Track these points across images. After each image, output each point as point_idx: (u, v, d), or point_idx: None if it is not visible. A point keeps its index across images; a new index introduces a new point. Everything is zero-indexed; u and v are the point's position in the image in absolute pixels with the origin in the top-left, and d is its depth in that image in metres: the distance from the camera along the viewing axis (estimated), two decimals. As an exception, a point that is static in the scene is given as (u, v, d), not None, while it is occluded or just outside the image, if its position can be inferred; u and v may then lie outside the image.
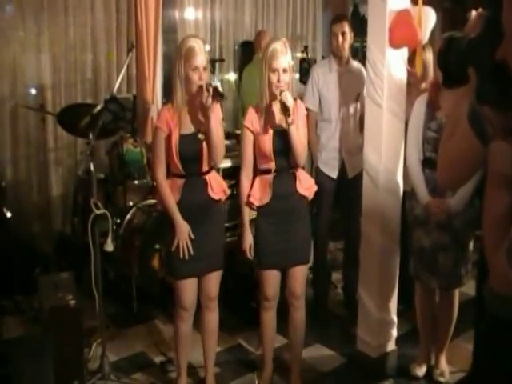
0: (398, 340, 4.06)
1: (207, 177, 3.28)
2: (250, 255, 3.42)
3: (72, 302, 3.54)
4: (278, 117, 3.29)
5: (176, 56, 3.18)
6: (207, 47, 6.26)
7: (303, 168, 3.46)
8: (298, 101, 3.41)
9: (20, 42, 5.11)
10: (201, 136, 3.18)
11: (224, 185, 3.41)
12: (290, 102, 3.14)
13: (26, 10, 5.09)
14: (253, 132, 3.33)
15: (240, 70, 6.36)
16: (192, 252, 3.24)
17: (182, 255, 3.23)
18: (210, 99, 3.07)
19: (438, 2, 6.81)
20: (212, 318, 3.47)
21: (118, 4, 5.54)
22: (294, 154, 3.25)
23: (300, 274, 3.45)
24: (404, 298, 4.28)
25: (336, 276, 4.98)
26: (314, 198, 3.57)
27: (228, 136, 5.61)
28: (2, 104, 5.04)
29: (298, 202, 3.38)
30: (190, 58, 3.11)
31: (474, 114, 1.57)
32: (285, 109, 3.15)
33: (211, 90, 3.06)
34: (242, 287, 4.28)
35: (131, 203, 4.67)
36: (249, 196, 3.36)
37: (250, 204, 3.38)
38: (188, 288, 3.33)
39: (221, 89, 3.09)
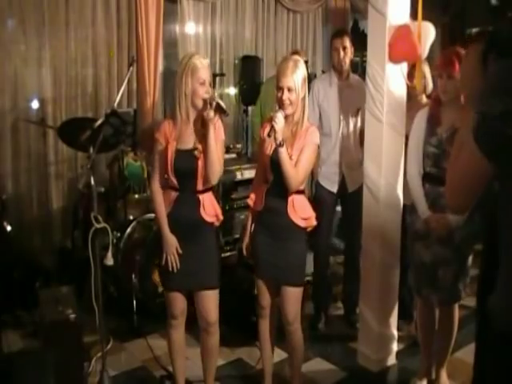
0: (399, 354, 4.07)
1: (201, 196, 3.24)
2: (246, 254, 3.50)
3: (72, 316, 3.54)
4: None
5: (181, 71, 3.16)
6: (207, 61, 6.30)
7: (303, 193, 3.37)
8: (312, 128, 3.32)
9: (21, 56, 5.12)
10: (197, 153, 3.16)
11: (218, 209, 3.35)
12: (278, 124, 3.06)
13: (28, 25, 5.11)
14: (263, 142, 3.34)
15: (240, 84, 6.38)
16: (179, 266, 3.24)
17: (169, 268, 3.24)
18: (211, 113, 3.05)
19: (437, 17, 6.86)
20: (212, 341, 3.43)
21: (119, 18, 5.56)
22: (283, 176, 3.16)
23: (291, 297, 3.36)
24: (404, 311, 4.30)
25: (336, 290, 4.97)
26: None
27: (227, 150, 5.65)
28: (2, 117, 5.04)
29: (290, 226, 3.28)
30: (197, 72, 3.11)
31: (480, 132, 1.57)
32: (271, 130, 3.08)
33: (214, 104, 3.05)
34: (243, 302, 4.26)
35: (131, 217, 4.68)
36: (250, 198, 3.45)
37: (249, 204, 3.46)
38: (176, 298, 3.36)
39: (223, 105, 3.08)
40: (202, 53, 6.04)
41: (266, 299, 3.47)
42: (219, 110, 3.07)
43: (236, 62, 6.53)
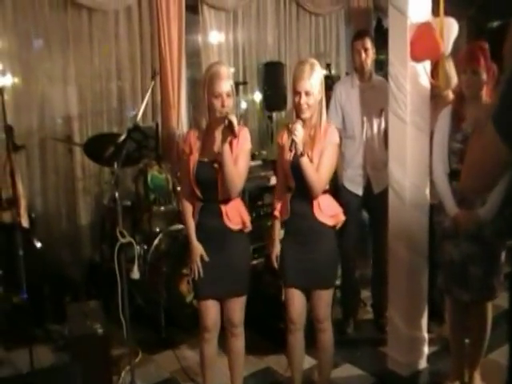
0: (430, 357, 4.00)
1: (224, 206, 3.24)
2: (275, 264, 3.45)
3: (100, 330, 3.58)
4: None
5: (201, 83, 3.20)
6: (231, 69, 6.28)
7: (327, 192, 3.35)
8: (331, 127, 3.31)
9: (47, 75, 5.17)
10: (216, 165, 3.17)
11: (245, 216, 3.33)
12: (297, 136, 3.06)
13: (53, 44, 5.16)
14: (282, 149, 3.34)
15: (264, 91, 6.35)
16: (202, 274, 3.27)
17: (193, 276, 3.30)
18: (224, 131, 3.05)
19: (462, 9, 6.73)
20: (237, 344, 3.43)
21: (142, 32, 5.57)
22: (307, 185, 3.16)
23: (323, 299, 3.37)
24: (435, 313, 4.21)
25: (365, 293, 4.91)
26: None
27: (253, 157, 5.63)
28: (30, 136, 5.08)
29: (319, 227, 3.28)
30: (213, 84, 3.10)
31: (501, 116, 1.51)
32: (292, 142, 3.07)
33: (226, 122, 3.02)
34: (270, 308, 4.24)
35: (158, 229, 4.70)
36: (275, 208, 3.44)
37: (274, 216, 3.44)
38: (208, 308, 3.35)
39: (235, 125, 2.99)
40: (224, 60, 6.04)
41: (296, 311, 3.42)
42: (229, 129, 3.01)
43: (259, 68, 6.49)
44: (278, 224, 3.46)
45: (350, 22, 7.05)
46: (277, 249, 3.45)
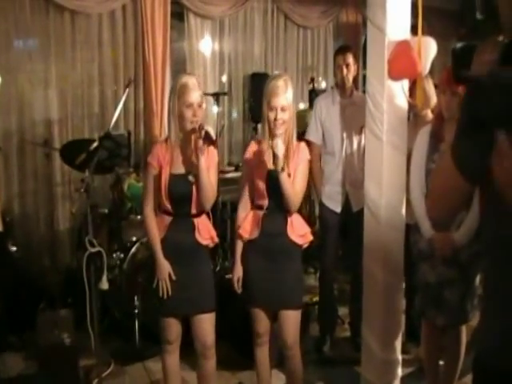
0: (404, 379, 3.94)
1: (196, 220, 3.21)
2: (237, 288, 3.37)
3: (67, 340, 3.54)
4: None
5: (171, 93, 3.16)
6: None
7: (299, 213, 3.33)
8: (302, 144, 3.31)
9: (27, 78, 5.15)
10: (191, 178, 3.12)
11: (213, 231, 3.31)
12: (279, 150, 3.03)
13: (34, 46, 5.14)
14: (251, 165, 3.30)
15: (249, 102, 6.34)
16: (170, 292, 3.18)
17: (160, 294, 3.19)
18: (200, 141, 3.01)
19: (453, 29, 6.76)
20: (209, 366, 3.34)
21: (125, 37, 5.56)
22: (284, 200, 3.13)
23: (291, 321, 3.29)
24: (413, 333, 4.19)
25: (344, 311, 4.86)
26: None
27: (237, 168, 5.64)
28: (9, 139, 5.06)
29: (289, 246, 3.25)
30: (184, 94, 3.08)
31: (456, 147, 1.50)
32: (274, 157, 3.05)
33: (203, 132, 2.99)
34: (243, 323, 4.19)
35: (134, 238, 4.63)
36: (239, 227, 3.33)
37: (239, 235, 3.33)
38: (172, 324, 3.28)
39: (212, 134, 3.00)
40: (210, 70, 6.06)
41: (263, 326, 3.39)
42: (207, 139, 3.00)
43: (245, 78, 6.48)
44: (241, 244, 3.36)
45: (338, 36, 7.05)
46: (239, 271, 3.36)
